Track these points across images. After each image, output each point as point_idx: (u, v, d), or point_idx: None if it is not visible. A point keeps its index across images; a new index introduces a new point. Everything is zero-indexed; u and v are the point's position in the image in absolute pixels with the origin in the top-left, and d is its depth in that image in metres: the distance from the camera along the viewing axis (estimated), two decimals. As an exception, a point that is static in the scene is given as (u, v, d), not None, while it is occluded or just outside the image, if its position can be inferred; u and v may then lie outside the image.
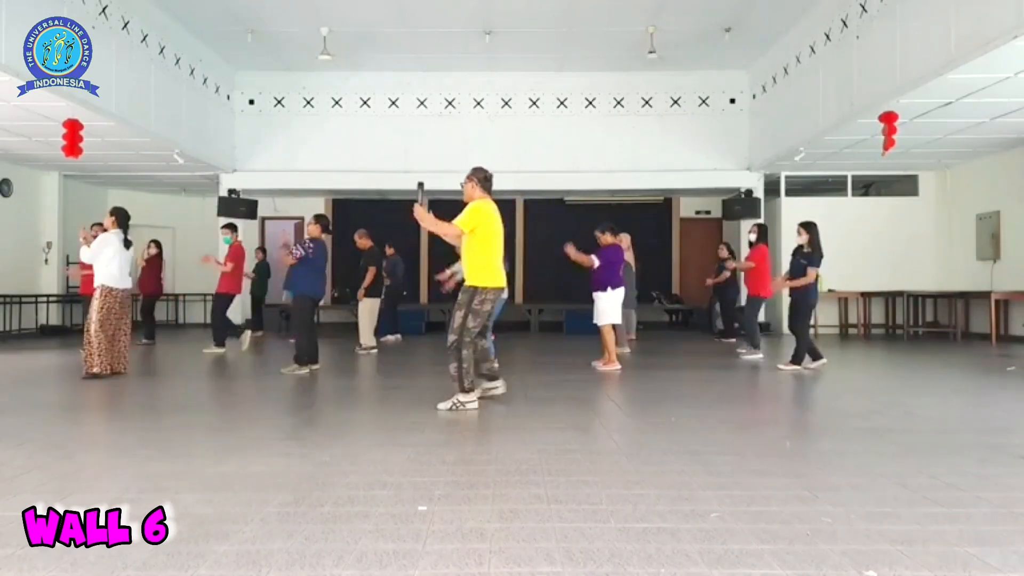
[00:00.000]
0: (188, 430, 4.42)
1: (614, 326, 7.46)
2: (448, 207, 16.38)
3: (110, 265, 6.55)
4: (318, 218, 7.36)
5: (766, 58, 11.99)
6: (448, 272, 8.06)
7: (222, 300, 9.36)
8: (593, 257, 7.40)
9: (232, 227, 9.91)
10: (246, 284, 11.32)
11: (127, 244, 6.81)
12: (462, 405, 4.87)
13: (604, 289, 7.41)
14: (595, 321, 7.53)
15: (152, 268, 10.50)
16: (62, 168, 12.31)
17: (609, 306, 7.41)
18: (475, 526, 2.51)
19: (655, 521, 2.56)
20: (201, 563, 2.19)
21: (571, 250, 7.47)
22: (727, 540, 2.37)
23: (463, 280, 5.05)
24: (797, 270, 7.32)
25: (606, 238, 7.66)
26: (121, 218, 6.88)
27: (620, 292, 7.48)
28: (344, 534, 2.43)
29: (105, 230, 9.38)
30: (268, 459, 3.54)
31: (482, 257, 4.91)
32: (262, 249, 12.34)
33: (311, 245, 7.05)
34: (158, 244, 10.78)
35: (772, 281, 8.49)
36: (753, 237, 8.90)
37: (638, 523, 2.55)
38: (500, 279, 5.00)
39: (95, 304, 6.47)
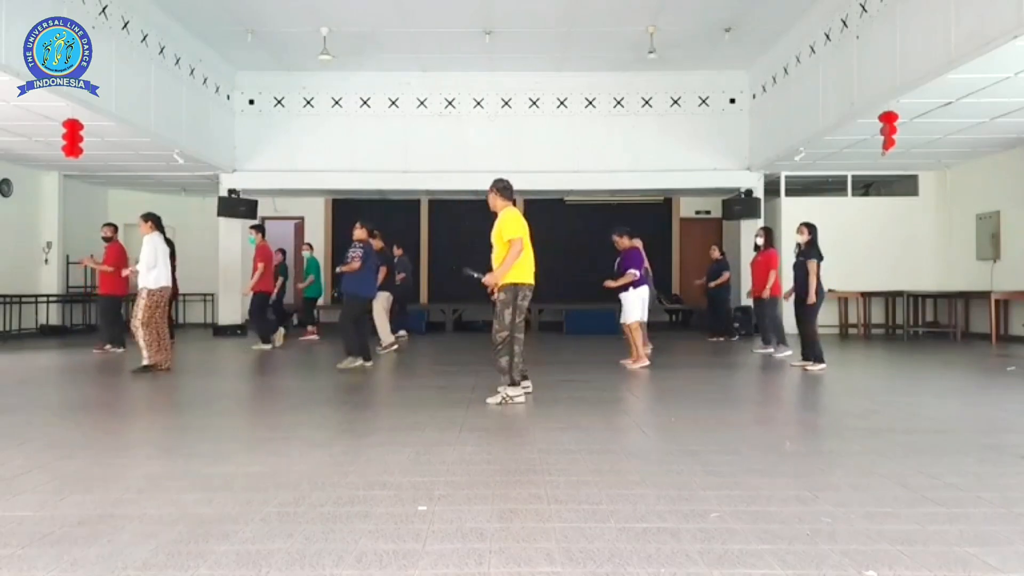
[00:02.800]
0: (189, 430, 4.42)
1: (639, 324, 7.64)
2: (449, 207, 16.37)
3: (160, 266, 6.98)
4: (364, 223, 7.80)
5: (766, 58, 11.99)
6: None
7: (258, 299, 9.69)
8: (631, 271, 7.56)
9: (258, 228, 10.08)
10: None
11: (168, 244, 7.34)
12: (511, 399, 5.13)
13: (626, 289, 7.61)
14: (621, 320, 7.75)
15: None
16: (62, 168, 12.31)
17: (634, 305, 7.59)
18: (475, 526, 2.51)
19: (655, 521, 2.56)
20: (201, 563, 2.19)
21: (610, 284, 7.74)
22: (727, 540, 2.37)
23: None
24: (798, 268, 7.37)
25: (624, 241, 7.84)
26: (157, 222, 7.24)
27: (644, 291, 7.67)
28: (344, 534, 2.43)
29: (116, 230, 9.57)
30: (268, 459, 3.54)
31: (519, 256, 5.25)
32: (281, 251, 12.30)
33: (362, 248, 7.51)
34: (170, 243, 10.77)
35: (781, 291, 8.74)
36: (761, 241, 9.05)
37: (638, 523, 2.55)
38: (531, 274, 5.37)
39: (140, 304, 6.86)
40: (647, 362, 7.44)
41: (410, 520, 2.58)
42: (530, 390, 5.50)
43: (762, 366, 7.94)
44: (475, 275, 5.59)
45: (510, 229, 5.28)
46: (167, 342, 7.11)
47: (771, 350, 8.84)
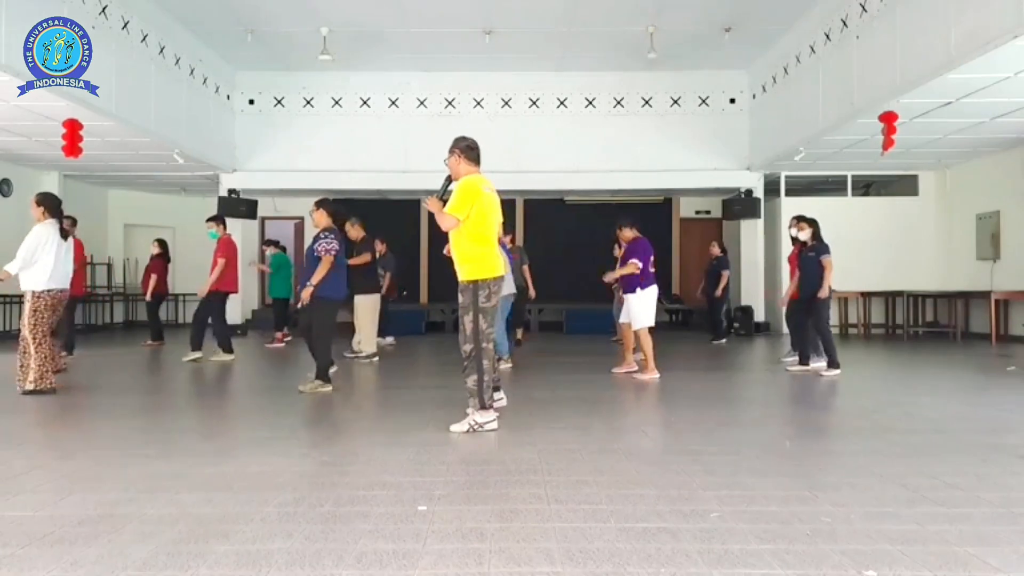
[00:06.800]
0: (188, 430, 4.42)
1: (647, 330, 6.75)
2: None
3: (46, 263, 5.63)
4: (321, 204, 6.06)
5: (766, 58, 11.99)
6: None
7: (217, 299, 8.28)
8: (634, 262, 6.71)
9: (218, 219, 8.75)
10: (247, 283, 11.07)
11: (64, 235, 5.86)
12: (480, 427, 4.12)
13: (634, 290, 6.75)
14: (624, 321, 7.03)
15: (156, 268, 10.47)
16: (62, 168, 12.30)
17: (641, 308, 6.71)
18: (475, 526, 2.51)
19: (655, 521, 2.56)
20: (201, 563, 2.19)
21: (610, 277, 7.09)
22: (727, 540, 2.37)
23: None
24: (810, 266, 7.08)
25: (627, 233, 7.04)
26: (53, 207, 5.87)
27: (653, 291, 6.78)
28: (344, 534, 2.43)
29: (75, 223, 8.18)
30: (268, 459, 3.53)
31: (475, 244, 4.17)
32: (278, 246, 12.15)
33: (330, 237, 5.86)
34: (161, 243, 10.70)
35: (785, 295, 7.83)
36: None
37: (638, 523, 2.55)
38: (499, 266, 4.26)
39: (29, 308, 5.59)
40: (657, 375, 6.60)
41: (410, 520, 2.58)
42: (504, 403, 4.74)
43: (762, 368, 7.93)
44: (445, 184, 4.52)
45: (455, 202, 4.18)
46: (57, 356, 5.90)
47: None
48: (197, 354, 8.10)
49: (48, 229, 5.73)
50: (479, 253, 4.18)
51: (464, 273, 4.21)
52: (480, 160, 4.44)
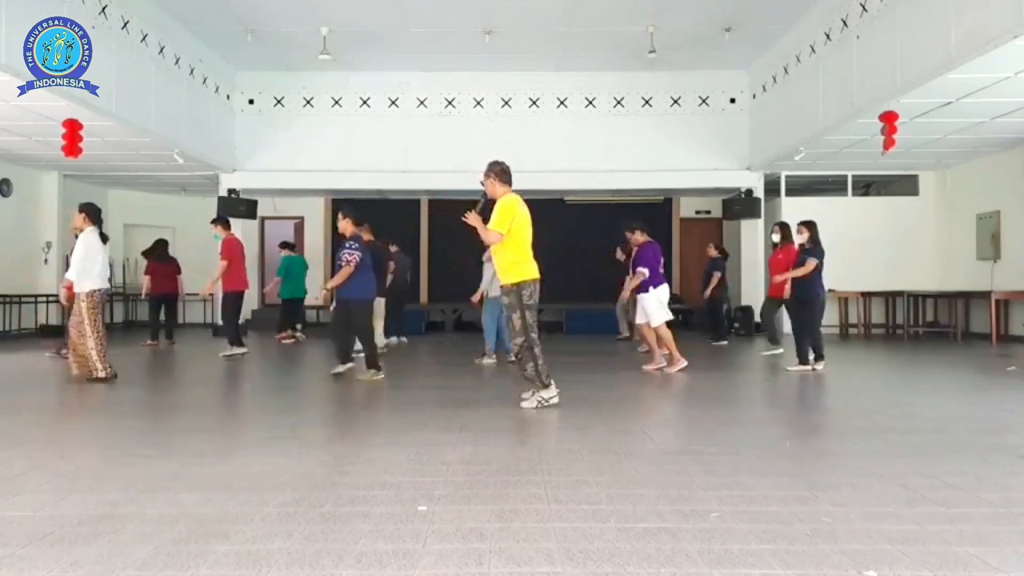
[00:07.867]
0: (188, 430, 4.42)
1: (664, 325, 7.24)
2: (450, 206, 16.37)
3: (95, 266, 6.31)
4: (346, 213, 6.68)
5: (766, 58, 11.99)
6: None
7: (229, 299, 8.62)
8: (641, 270, 7.24)
9: (221, 221, 9.01)
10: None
11: (104, 240, 6.57)
12: (546, 402, 4.93)
13: (647, 289, 7.26)
14: (641, 322, 7.43)
15: (148, 270, 10.46)
16: (62, 168, 12.31)
17: (654, 306, 7.23)
18: (475, 526, 2.51)
19: (655, 521, 2.56)
20: (201, 563, 2.19)
21: (626, 294, 7.87)
22: (727, 540, 2.37)
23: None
24: (799, 266, 7.20)
25: (637, 237, 7.55)
26: (94, 214, 6.47)
27: (663, 289, 7.33)
28: (344, 534, 2.43)
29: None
30: (268, 459, 3.54)
31: (517, 252, 4.93)
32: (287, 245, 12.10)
33: (355, 244, 6.54)
34: (155, 245, 10.67)
35: (773, 283, 8.20)
36: (777, 238, 8.58)
37: (638, 523, 2.55)
38: (535, 270, 5.01)
39: (85, 307, 6.20)
40: (685, 363, 7.11)
41: (410, 520, 2.58)
42: (556, 400, 5.00)
43: (764, 368, 7.93)
44: (483, 201, 5.11)
45: (496, 219, 4.89)
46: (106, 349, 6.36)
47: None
48: (242, 350, 8.47)
49: (94, 236, 6.38)
50: (519, 260, 4.94)
51: (507, 277, 4.95)
52: (512, 180, 5.10)
